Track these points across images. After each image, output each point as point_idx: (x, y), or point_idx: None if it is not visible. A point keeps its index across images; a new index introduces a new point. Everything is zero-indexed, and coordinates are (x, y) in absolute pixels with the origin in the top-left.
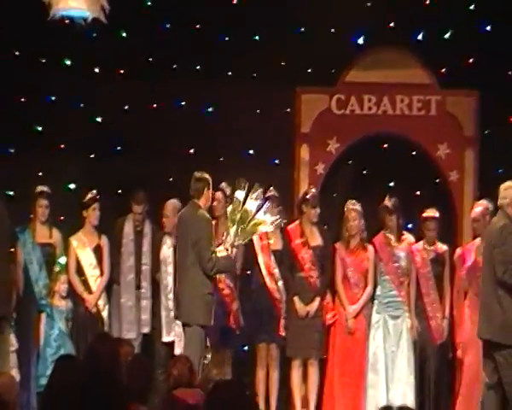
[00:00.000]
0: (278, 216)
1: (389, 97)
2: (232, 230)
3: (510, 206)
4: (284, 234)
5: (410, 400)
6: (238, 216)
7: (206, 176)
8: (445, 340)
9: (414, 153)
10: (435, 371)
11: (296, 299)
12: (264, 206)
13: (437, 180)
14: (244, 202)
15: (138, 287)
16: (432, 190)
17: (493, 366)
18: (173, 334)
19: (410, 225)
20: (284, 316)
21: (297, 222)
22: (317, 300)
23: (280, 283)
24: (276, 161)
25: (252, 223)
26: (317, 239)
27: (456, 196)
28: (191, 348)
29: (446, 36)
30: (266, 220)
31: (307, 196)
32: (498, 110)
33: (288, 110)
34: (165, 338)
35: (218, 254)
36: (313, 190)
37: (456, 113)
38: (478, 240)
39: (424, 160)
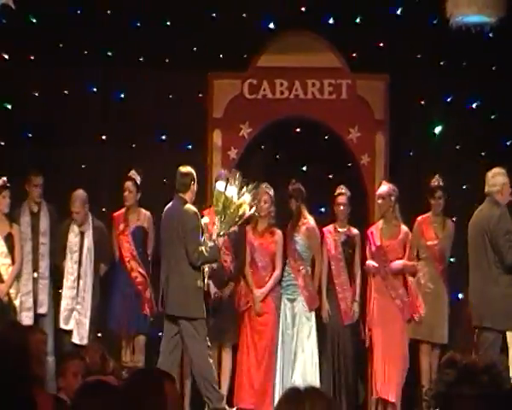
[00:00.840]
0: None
1: (300, 81)
2: (217, 220)
3: (500, 193)
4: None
5: (314, 380)
6: (221, 206)
7: (192, 170)
8: (356, 322)
9: (326, 137)
10: (346, 352)
11: (210, 283)
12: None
13: (349, 164)
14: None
15: (35, 269)
16: (344, 174)
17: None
18: (72, 323)
19: (322, 209)
20: None
21: (210, 208)
22: (231, 284)
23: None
24: (189, 147)
25: (232, 208)
26: None
27: (367, 179)
28: (192, 340)
29: (357, 20)
30: (245, 200)
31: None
32: (408, 93)
33: (201, 95)
34: (63, 326)
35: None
36: (223, 171)
37: (367, 96)
38: (381, 222)
39: (336, 143)
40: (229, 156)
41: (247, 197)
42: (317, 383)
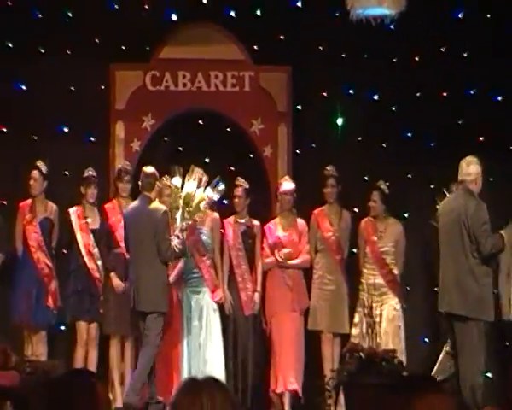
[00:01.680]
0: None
1: (203, 73)
2: (178, 215)
3: (474, 182)
4: (101, 212)
5: (218, 371)
6: (180, 201)
7: (155, 171)
8: (257, 312)
9: (228, 128)
10: (248, 343)
11: (113, 275)
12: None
13: (251, 155)
14: (182, 186)
15: None
16: (246, 166)
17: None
18: None
19: (225, 201)
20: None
21: (114, 200)
22: None
23: (99, 262)
24: (92, 139)
25: (195, 202)
26: None
27: (270, 170)
28: (154, 333)
29: (257, 12)
30: (208, 195)
31: (120, 172)
32: (310, 85)
33: (103, 87)
34: None
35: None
36: (127, 165)
37: (270, 88)
38: (278, 219)
39: (239, 135)
40: (131, 148)
41: (209, 192)
42: (223, 374)
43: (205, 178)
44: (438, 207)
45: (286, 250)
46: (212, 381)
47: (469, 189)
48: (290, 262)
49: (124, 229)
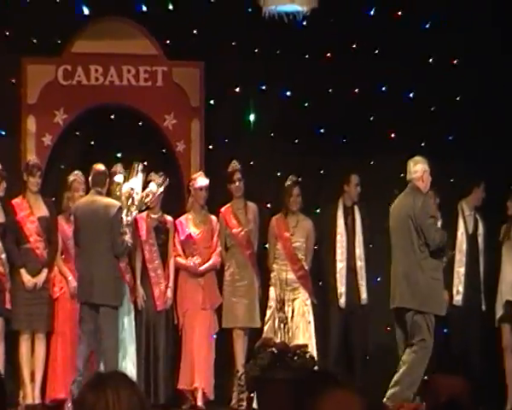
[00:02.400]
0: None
1: (116, 68)
2: (124, 212)
3: (421, 180)
4: (8, 207)
5: (130, 371)
6: (123, 198)
7: (105, 168)
8: (169, 307)
9: (141, 123)
10: (159, 338)
11: (23, 271)
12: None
13: (164, 150)
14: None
15: None
16: (159, 161)
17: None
18: None
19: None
20: (9, 289)
21: (21, 195)
22: (45, 271)
23: (3, 255)
24: (3, 133)
25: (138, 197)
26: (42, 210)
27: (183, 166)
28: (110, 328)
29: (169, 7)
30: (152, 190)
31: (28, 166)
32: (223, 81)
33: (14, 81)
34: None
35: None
36: (34, 159)
37: (183, 83)
38: (191, 212)
39: (151, 130)
40: (43, 143)
41: (153, 187)
42: (134, 370)
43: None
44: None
45: (197, 261)
46: (117, 375)
47: (417, 186)
48: (201, 269)
49: (74, 223)
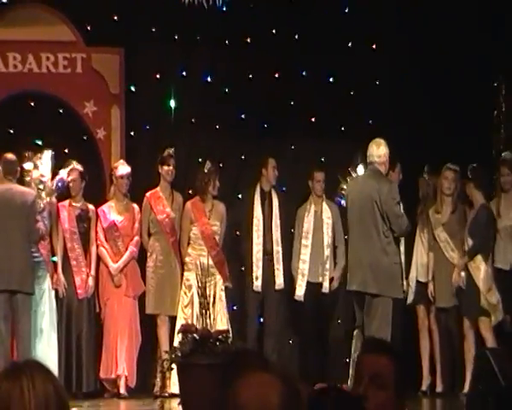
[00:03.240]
0: None
1: (34, 55)
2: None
3: (384, 164)
4: None
5: (52, 359)
6: (33, 185)
7: (15, 157)
8: (91, 296)
9: (61, 110)
10: (81, 327)
11: None
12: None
13: (84, 138)
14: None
15: None
16: (80, 148)
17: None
18: None
19: (59, 184)
20: None
21: None
22: None
23: None
24: None
25: (48, 184)
26: None
27: (103, 153)
28: (27, 316)
29: None
30: (63, 177)
31: None
32: (143, 67)
33: None
34: None
35: None
36: None
37: (102, 70)
38: (113, 200)
39: (72, 117)
40: None
41: (63, 173)
42: (55, 358)
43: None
44: (344, 187)
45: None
46: (32, 363)
47: (379, 170)
48: (118, 265)
49: None
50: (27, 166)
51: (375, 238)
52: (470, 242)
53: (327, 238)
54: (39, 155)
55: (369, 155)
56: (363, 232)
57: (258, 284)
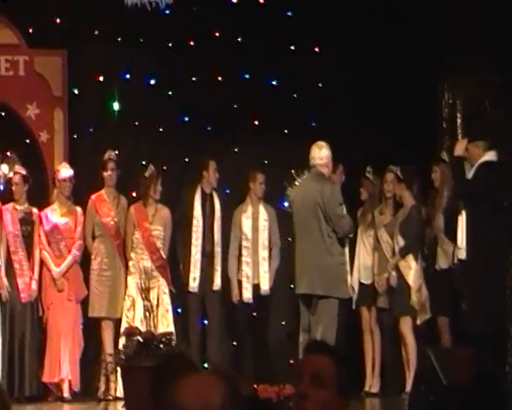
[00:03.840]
0: None
1: None
2: None
3: (327, 166)
4: None
5: None
6: None
7: None
8: (34, 300)
9: (3, 113)
10: (24, 331)
11: None
12: None
13: (27, 140)
14: None
15: None
16: (23, 151)
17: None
18: None
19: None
20: None
21: None
22: None
23: None
24: None
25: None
26: None
27: (46, 156)
28: None
29: None
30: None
31: None
32: (86, 70)
33: None
34: None
35: None
36: None
37: (45, 73)
38: (56, 203)
39: (14, 120)
40: None
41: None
42: None
43: None
44: (288, 191)
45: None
46: None
47: (322, 172)
48: (60, 268)
49: None
50: None
51: (320, 240)
52: (402, 242)
53: (262, 240)
54: None
55: (311, 157)
56: (309, 235)
57: (194, 286)
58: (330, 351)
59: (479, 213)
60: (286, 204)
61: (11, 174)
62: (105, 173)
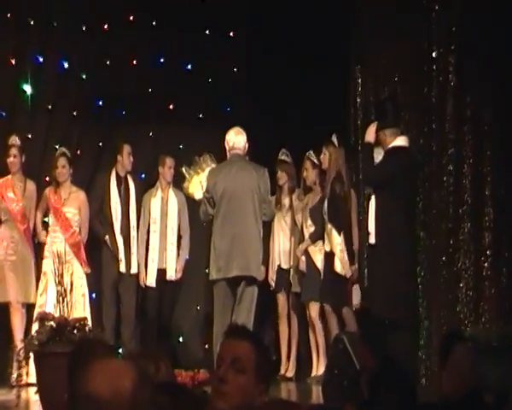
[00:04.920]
0: None
1: None
2: None
3: (243, 151)
4: None
5: None
6: None
7: None
8: None
9: None
10: None
11: None
12: None
13: None
14: None
15: None
16: None
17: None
18: None
19: None
20: None
21: None
22: None
23: None
24: None
25: None
26: None
27: None
28: None
29: None
30: None
31: None
32: None
33: None
34: None
35: None
36: None
37: None
38: None
39: None
40: None
41: None
42: None
43: None
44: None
45: None
46: None
47: (244, 157)
48: None
49: None
50: None
51: (254, 224)
52: (312, 227)
53: (171, 225)
54: None
55: (230, 142)
56: (243, 218)
57: (121, 268)
58: (251, 336)
59: (383, 199)
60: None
61: None
62: (8, 160)
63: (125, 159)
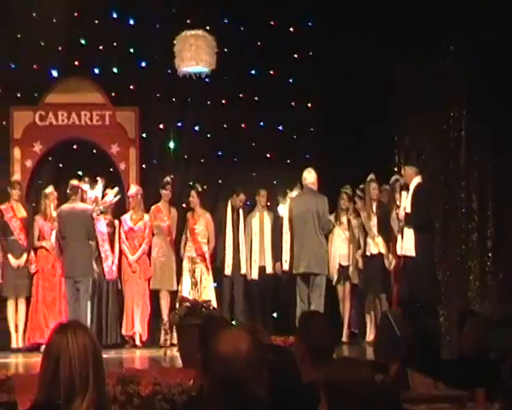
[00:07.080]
0: None
1: (76, 113)
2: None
3: (315, 184)
4: None
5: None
6: (89, 201)
7: (78, 182)
8: (116, 278)
9: (94, 151)
10: (108, 299)
11: (10, 256)
12: None
13: (111, 169)
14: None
15: None
16: (108, 177)
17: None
18: None
19: None
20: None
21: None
22: (25, 255)
23: None
24: None
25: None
26: (22, 212)
27: (124, 180)
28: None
29: (115, 70)
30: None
31: (11, 183)
32: (151, 120)
33: (4, 123)
34: None
35: None
36: (15, 177)
37: (123, 123)
38: (131, 212)
39: (102, 155)
40: (25, 166)
41: (110, 195)
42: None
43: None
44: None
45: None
46: (74, 323)
47: (312, 189)
48: (135, 257)
49: (60, 221)
50: (85, 187)
51: (316, 235)
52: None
53: (267, 237)
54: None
55: (303, 179)
56: (308, 232)
57: (229, 270)
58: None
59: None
60: (281, 211)
61: (115, 199)
62: (163, 191)
63: (237, 201)
